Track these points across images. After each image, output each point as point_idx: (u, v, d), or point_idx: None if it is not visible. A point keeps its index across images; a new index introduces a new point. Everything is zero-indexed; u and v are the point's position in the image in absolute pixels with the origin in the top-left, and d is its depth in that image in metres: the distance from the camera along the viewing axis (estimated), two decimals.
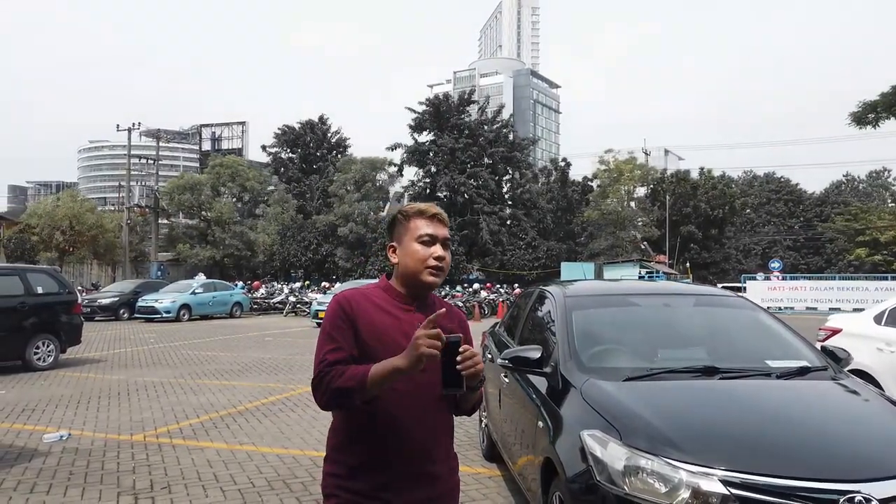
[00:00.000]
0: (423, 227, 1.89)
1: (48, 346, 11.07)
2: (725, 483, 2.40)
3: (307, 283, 36.12)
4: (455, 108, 43.71)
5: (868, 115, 29.30)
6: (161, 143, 44.30)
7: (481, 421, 5.78)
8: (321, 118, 51.81)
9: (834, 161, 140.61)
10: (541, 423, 3.29)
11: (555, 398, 3.31)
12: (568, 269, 31.83)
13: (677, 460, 2.50)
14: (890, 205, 62.51)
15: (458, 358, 1.68)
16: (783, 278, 37.44)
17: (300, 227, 45.36)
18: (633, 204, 44.52)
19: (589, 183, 45.88)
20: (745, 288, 37.04)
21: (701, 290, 4.79)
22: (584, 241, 46.01)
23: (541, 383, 3.54)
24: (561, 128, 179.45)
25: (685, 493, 2.42)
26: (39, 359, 10.88)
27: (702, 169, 49.47)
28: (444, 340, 1.67)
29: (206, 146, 62.28)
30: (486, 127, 43.98)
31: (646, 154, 55.89)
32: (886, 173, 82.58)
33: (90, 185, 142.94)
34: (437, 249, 1.87)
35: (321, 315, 20.61)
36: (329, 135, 51.84)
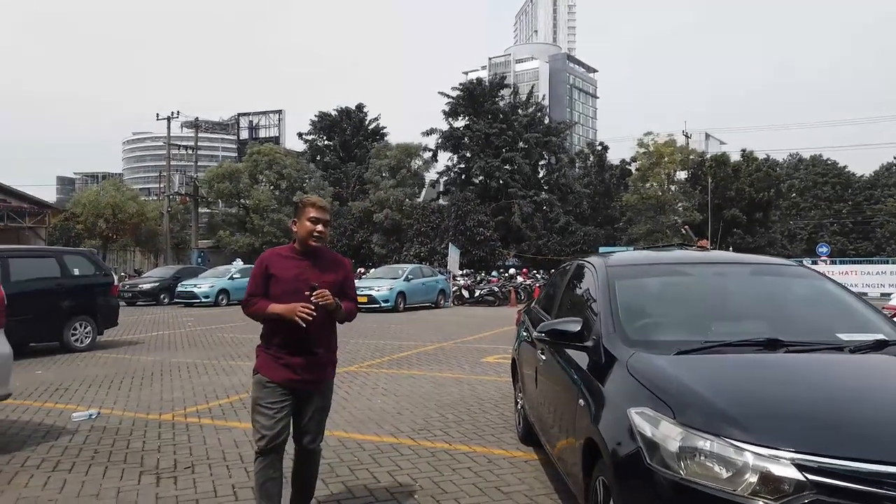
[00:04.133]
0: (312, 212, 3.31)
1: (85, 328, 11.14)
2: (800, 467, 2.07)
3: None
4: (488, 93, 43.13)
5: None
6: (199, 133, 44.80)
7: (517, 402, 5.49)
8: (358, 106, 51.79)
9: (885, 142, 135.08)
10: (581, 402, 2.99)
11: (597, 374, 3.00)
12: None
13: (741, 441, 2.17)
14: None
15: (312, 298, 3.17)
16: (831, 263, 36.09)
17: (336, 214, 45.39)
18: (673, 188, 43.33)
19: (627, 167, 44.88)
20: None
21: (758, 259, 4.38)
22: (622, 227, 45.09)
23: (581, 358, 3.24)
24: (598, 112, 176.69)
25: (752, 478, 2.10)
26: (77, 340, 10.97)
27: (744, 151, 47.89)
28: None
29: (244, 135, 62.87)
30: (519, 111, 43.31)
31: (686, 137, 54.46)
32: None
33: (134, 175, 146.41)
34: (319, 226, 3.31)
35: (360, 300, 20.50)
36: (366, 122, 51.77)
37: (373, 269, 31.31)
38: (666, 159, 41.94)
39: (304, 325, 3.13)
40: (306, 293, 3.16)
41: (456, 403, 6.83)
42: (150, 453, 5.03)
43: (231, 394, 7.36)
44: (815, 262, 38.19)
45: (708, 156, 47.51)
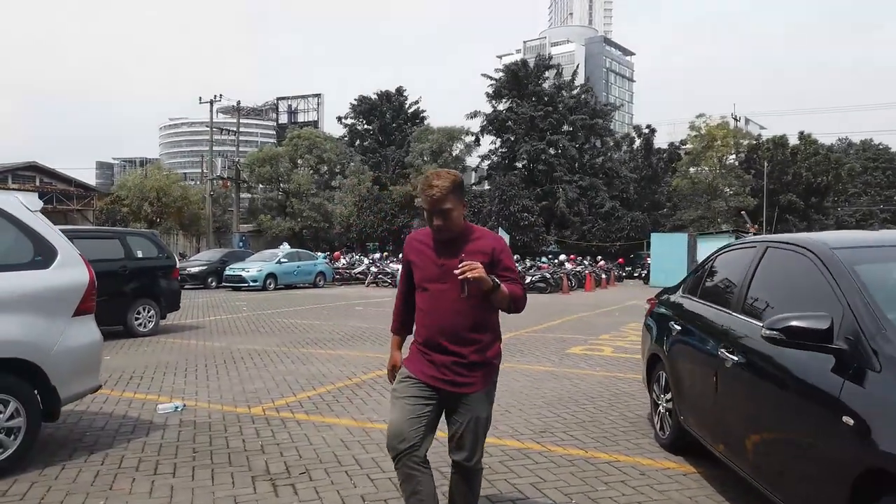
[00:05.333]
0: (423, 201, 2.78)
1: (149, 312, 10.82)
2: None
3: (385, 253, 35.81)
4: (533, 75, 42.06)
5: None
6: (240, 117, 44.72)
7: (656, 405, 4.87)
8: (398, 89, 51.16)
9: None
10: (849, 420, 2.35)
11: (872, 384, 2.36)
12: (658, 241, 30.10)
13: None
14: None
15: (456, 271, 2.60)
16: None
17: (377, 199, 45.09)
18: (725, 172, 41.74)
19: (677, 150, 43.45)
20: None
21: None
22: (667, 213, 43.73)
23: (825, 364, 2.60)
24: (635, 97, 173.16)
25: None
26: (140, 324, 10.64)
27: (801, 133, 45.98)
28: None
29: (283, 119, 62.78)
30: (563, 93, 42.16)
31: (735, 120, 52.69)
32: None
33: (171, 160, 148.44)
34: (436, 220, 2.74)
35: None
36: (406, 106, 51.15)
37: None
38: (719, 142, 40.47)
39: (465, 294, 2.62)
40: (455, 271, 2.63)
41: (564, 401, 6.24)
42: (254, 454, 4.54)
43: (316, 385, 6.87)
44: None
45: (764, 139, 45.71)
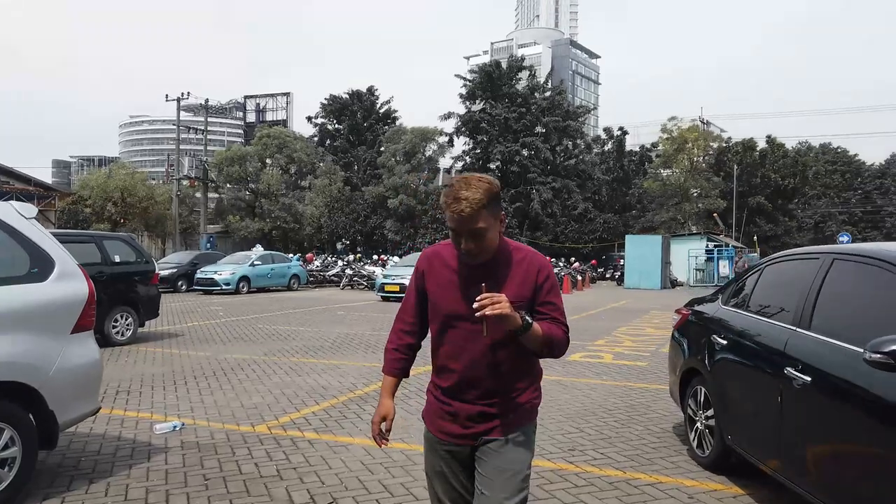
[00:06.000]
0: (449, 220, 2.08)
1: (126, 319, 10.30)
2: None
3: (359, 255, 35.35)
4: (506, 76, 42.00)
5: None
6: (202, 117, 43.68)
7: (692, 420, 4.67)
8: (369, 89, 50.59)
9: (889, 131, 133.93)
10: None
11: None
12: (633, 243, 30.28)
13: None
14: None
15: (475, 305, 1.95)
16: None
17: (348, 199, 44.52)
18: (697, 175, 42.25)
19: (648, 152, 43.85)
20: None
21: None
22: (637, 214, 44.11)
23: None
24: (601, 99, 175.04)
25: None
26: (118, 332, 10.13)
27: (769, 136, 46.89)
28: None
29: (251, 118, 61.62)
30: (537, 94, 42.20)
31: (702, 123, 53.44)
32: None
33: (132, 159, 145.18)
34: (465, 243, 2.07)
35: (388, 288, 19.72)
36: (377, 106, 50.63)
37: (395, 258, 30.56)
38: (690, 145, 40.95)
39: (486, 335, 2.04)
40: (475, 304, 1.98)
41: (582, 414, 6.02)
42: (272, 481, 4.20)
43: (318, 399, 6.53)
44: None
45: (733, 142, 46.45)
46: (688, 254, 31.80)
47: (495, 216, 2.10)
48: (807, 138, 68.08)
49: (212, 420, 5.71)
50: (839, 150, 77.63)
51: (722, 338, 4.20)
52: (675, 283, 30.82)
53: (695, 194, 43.21)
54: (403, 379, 2.43)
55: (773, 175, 43.95)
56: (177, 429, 5.38)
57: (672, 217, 41.18)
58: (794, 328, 3.46)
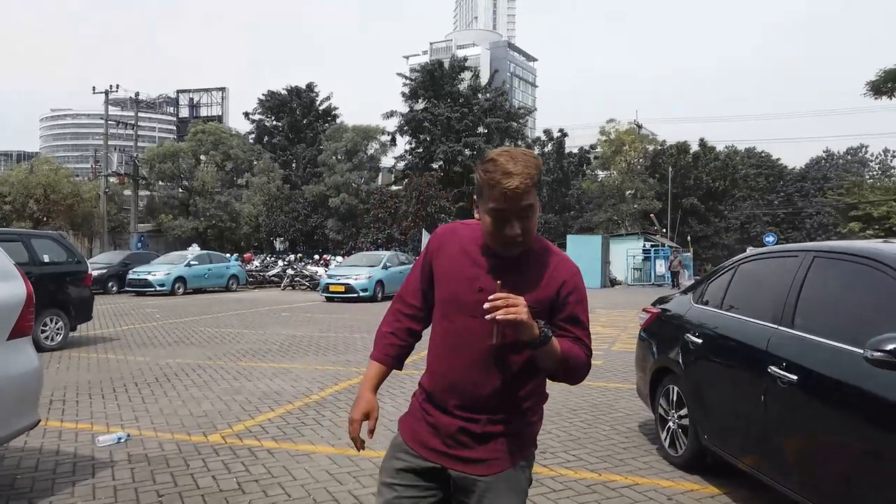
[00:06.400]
0: (493, 200, 1.70)
1: (57, 323, 9.66)
2: None
3: (300, 255, 34.63)
4: (448, 76, 42.02)
5: (887, 83, 28.70)
6: (130, 111, 41.90)
7: (664, 420, 4.64)
8: (309, 85, 49.65)
9: (813, 136, 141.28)
10: None
11: None
12: (574, 243, 30.74)
13: None
14: (885, 180, 62.70)
15: (486, 306, 1.62)
16: None
17: (288, 198, 43.57)
18: (633, 176, 43.40)
19: (587, 154, 44.69)
20: None
21: None
22: (575, 215, 44.91)
23: None
24: (538, 102, 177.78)
25: None
26: (47, 337, 9.48)
27: (701, 140, 48.63)
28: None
29: (183, 113, 59.51)
30: (480, 95, 42.42)
31: (637, 126, 54.92)
32: (864, 150, 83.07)
33: (53, 154, 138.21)
34: (515, 227, 1.72)
35: (332, 289, 19.34)
36: (317, 103, 49.75)
37: (339, 258, 30.09)
38: (627, 147, 41.97)
39: (494, 341, 1.67)
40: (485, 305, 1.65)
41: (549, 415, 5.82)
42: (233, 495, 3.93)
43: (272, 405, 6.23)
44: None
45: (668, 144, 47.91)
46: (626, 253, 32.55)
47: (538, 197, 1.80)
48: (733, 142, 71.02)
49: (159, 430, 5.34)
50: (763, 154, 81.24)
51: (697, 336, 4.18)
52: (613, 282, 31.47)
53: (630, 195, 44.36)
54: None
55: (705, 177, 45.56)
56: (122, 440, 5.00)
57: (609, 217, 42.12)
58: (775, 326, 3.45)
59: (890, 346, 2.45)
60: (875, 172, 72.00)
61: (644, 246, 33.45)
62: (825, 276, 3.32)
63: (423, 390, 1.96)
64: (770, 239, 40.28)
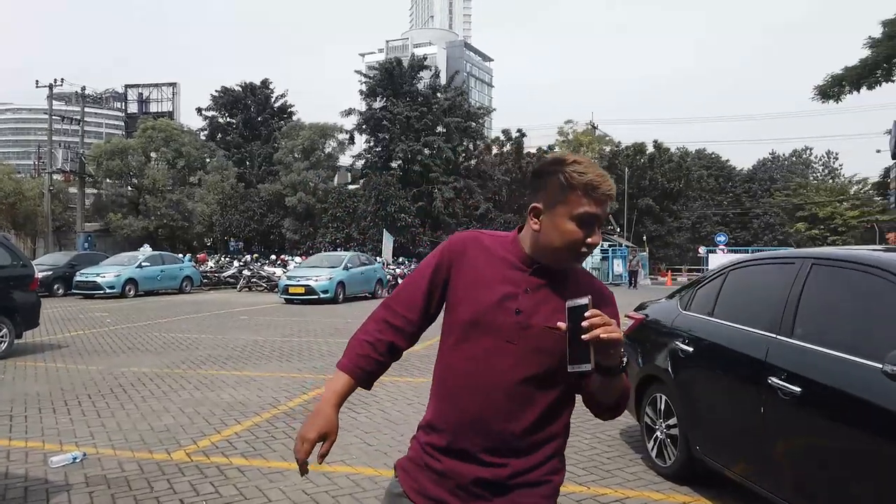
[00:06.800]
0: (585, 204, 1.53)
1: (0, 331, 9.10)
2: None
3: (256, 255, 33.86)
4: (407, 74, 41.72)
5: (833, 88, 29.57)
6: (76, 106, 40.38)
7: (650, 429, 4.55)
8: (264, 82, 48.62)
9: (761, 139, 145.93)
10: None
11: None
12: None
13: None
14: (829, 181, 65.03)
15: (584, 323, 1.40)
16: (729, 251, 37.91)
17: (243, 197, 42.57)
18: None
19: (545, 155, 44.90)
20: (706, 260, 37.36)
21: None
22: None
23: None
24: (494, 102, 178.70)
25: None
26: None
27: (655, 141, 49.58)
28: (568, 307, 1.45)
29: (132, 109, 57.58)
30: (439, 94, 42.25)
31: (593, 128, 55.64)
32: (809, 152, 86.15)
33: None
34: (593, 236, 1.55)
35: (292, 290, 18.92)
36: (272, 100, 48.78)
37: (297, 258, 29.52)
38: (584, 148, 42.41)
39: (584, 368, 1.44)
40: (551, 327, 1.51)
41: None
42: None
43: (239, 417, 5.93)
44: (712, 251, 40.27)
45: (624, 146, 48.66)
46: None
47: None
48: (684, 144, 72.56)
49: (118, 448, 5.00)
50: (713, 156, 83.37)
51: (687, 344, 4.09)
52: None
53: None
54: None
55: (660, 178, 46.40)
56: (77, 460, 4.66)
57: None
58: (773, 336, 3.36)
59: None
60: (818, 174, 74.56)
61: (602, 245, 33.86)
62: (826, 283, 3.25)
63: (428, 431, 1.67)
64: (721, 238, 41.29)
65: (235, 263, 29.22)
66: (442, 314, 1.72)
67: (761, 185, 75.37)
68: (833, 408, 2.91)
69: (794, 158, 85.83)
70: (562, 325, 1.46)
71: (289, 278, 19.62)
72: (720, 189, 76.44)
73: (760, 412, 3.29)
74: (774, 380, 3.18)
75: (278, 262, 29.13)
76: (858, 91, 29.24)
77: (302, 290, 18.74)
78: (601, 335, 1.39)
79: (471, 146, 43.10)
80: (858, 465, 2.76)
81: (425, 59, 44.26)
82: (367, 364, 1.68)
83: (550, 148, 45.31)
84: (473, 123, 42.12)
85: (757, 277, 3.88)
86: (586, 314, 1.40)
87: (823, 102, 30.11)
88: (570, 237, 1.54)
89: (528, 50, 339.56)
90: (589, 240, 1.54)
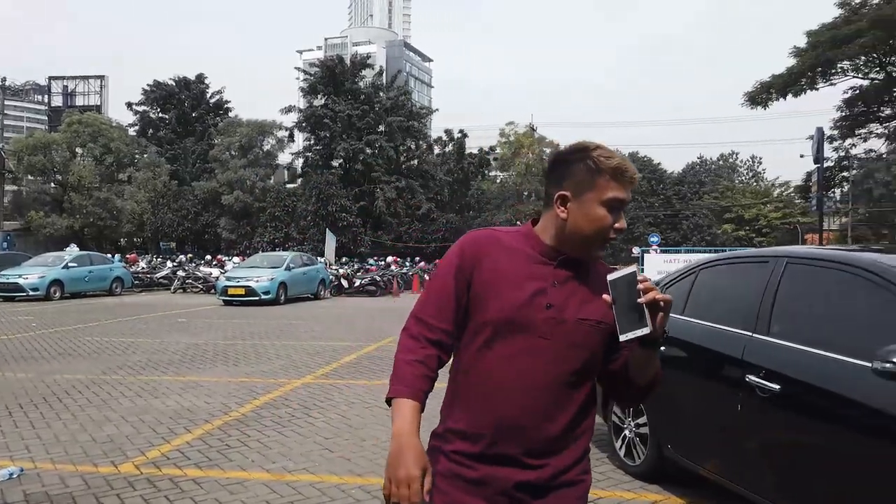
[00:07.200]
0: (613, 189, 1.53)
1: None
2: None
3: (191, 255, 32.76)
4: (349, 72, 41.26)
5: (762, 95, 30.95)
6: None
7: (619, 429, 4.55)
8: (199, 76, 47.17)
9: (690, 143, 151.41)
10: None
11: None
12: None
13: None
14: (754, 184, 67.93)
15: (640, 287, 1.42)
16: (662, 252, 39.08)
17: (176, 195, 41.15)
18: (531, 178, 44.52)
19: (487, 155, 45.34)
20: (642, 260, 38.36)
21: None
22: (474, 215, 45.51)
23: None
24: (434, 102, 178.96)
25: None
26: None
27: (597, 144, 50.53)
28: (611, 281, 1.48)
29: (56, 102, 54.78)
30: (381, 93, 41.96)
31: (532, 129, 56.43)
32: (735, 156, 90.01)
33: None
34: (622, 219, 1.56)
35: (231, 292, 18.34)
36: (207, 95, 47.36)
37: (235, 258, 28.70)
38: (525, 149, 42.92)
39: (643, 332, 1.44)
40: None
41: None
42: None
43: (189, 425, 5.63)
44: (646, 251, 41.48)
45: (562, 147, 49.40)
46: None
47: None
48: (618, 147, 74.49)
49: (58, 461, 4.66)
50: (645, 159, 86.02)
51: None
52: None
53: (524, 195, 45.45)
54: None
55: None
56: (14, 476, 4.30)
57: (509, 218, 42.93)
58: (749, 334, 3.39)
59: None
60: (743, 178, 77.92)
61: (509, 227, 34.28)
62: (802, 282, 3.29)
63: (456, 439, 1.58)
64: (654, 239, 42.53)
65: (169, 264, 28.19)
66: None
67: (691, 188, 78.22)
68: (814, 405, 2.94)
69: (721, 162, 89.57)
70: (607, 297, 1.47)
71: (228, 279, 19.01)
72: (652, 191, 78.96)
73: (737, 410, 3.31)
74: (752, 377, 3.20)
75: (215, 263, 28.27)
76: (785, 98, 30.78)
77: (242, 292, 18.19)
78: (657, 297, 1.42)
79: (413, 146, 43.00)
80: (839, 461, 2.79)
81: (368, 57, 43.92)
82: (426, 385, 1.58)
83: (492, 149, 45.70)
84: (416, 123, 42.07)
85: (730, 276, 3.92)
86: (639, 278, 1.44)
87: (752, 108, 31.51)
88: (601, 223, 1.53)
89: (468, 51, 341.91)
90: (617, 225, 1.55)
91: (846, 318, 3.04)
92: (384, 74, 44.47)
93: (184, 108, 46.88)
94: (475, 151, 44.47)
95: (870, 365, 2.56)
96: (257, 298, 18.13)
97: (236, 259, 28.03)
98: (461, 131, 43.54)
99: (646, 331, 1.43)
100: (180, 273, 25.20)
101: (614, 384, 1.65)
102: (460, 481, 1.56)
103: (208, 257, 31.28)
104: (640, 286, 1.43)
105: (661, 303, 1.42)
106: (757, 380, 3.16)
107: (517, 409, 1.52)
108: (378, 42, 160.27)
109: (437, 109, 46.93)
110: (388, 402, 1.55)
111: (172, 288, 24.34)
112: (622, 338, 1.46)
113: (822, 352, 2.94)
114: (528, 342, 1.53)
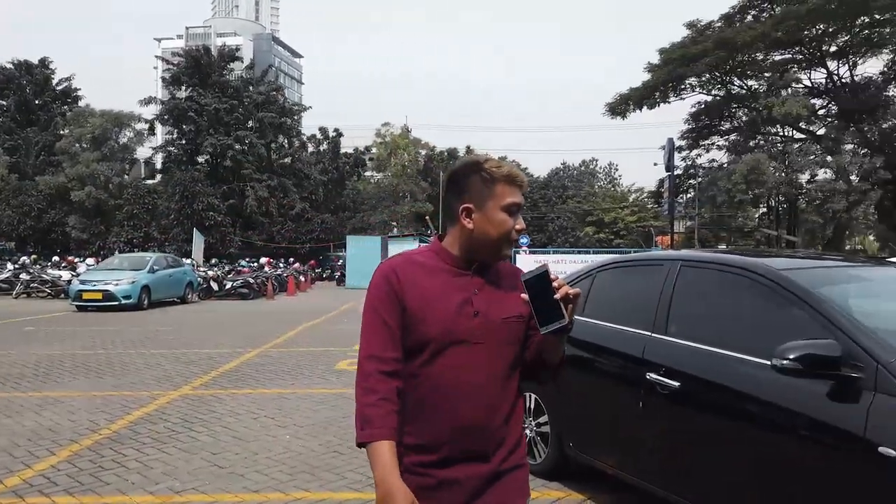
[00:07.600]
0: (510, 194, 1.71)
1: None
2: None
3: (35, 256, 29.72)
4: (216, 64, 39.29)
5: (620, 106, 33.14)
6: None
7: (530, 431, 4.62)
8: (42, 60, 42.93)
9: (554, 149, 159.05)
10: (889, 451, 2.36)
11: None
12: (354, 243, 30.62)
13: None
14: (612, 189, 72.21)
15: (555, 284, 1.59)
16: (531, 252, 40.75)
17: (16, 190, 37.24)
18: (408, 179, 44.63)
19: (362, 155, 44.91)
20: (514, 259, 39.67)
21: None
22: (349, 215, 45.04)
23: (837, 394, 2.62)
24: (304, 99, 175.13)
25: None
26: None
27: (468, 147, 51.71)
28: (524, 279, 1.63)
29: None
30: (251, 88, 40.34)
31: (407, 131, 56.74)
32: (595, 162, 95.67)
33: None
34: (520, 221, 1.74)
35: (87, 296, 16.85)
36: (53, 81, 43.23)
37: (89, 260, 26.42)
38: (401, 150, 42.98)
39: (559, 325, 1.57)
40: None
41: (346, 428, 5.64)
42: None
43: (52, 447, 5.06)
44: (517, 251, 43.10)
45: (438, 150, 50.09)
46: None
47: None
48: (488, 151, 76.65)
49: None
50: (514, 163, 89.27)
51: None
52: None
53: (401, 196, 45.58)
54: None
55: None
56: None
57: (385, 219, 42.87)
58: (649, 334, 3.56)
59: (796, 354, 2.59)
60: (602, 183, 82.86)
61: (419, 247, 34.53)
62: (696, 283, 3.50)
63: (415, 451, 1.67)
64: (524, 240, 44.17)
65: (10, 266, 25.42)
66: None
67: (555, 192, 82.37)
68: (713, 400, 3.13)
69: (582, 168, 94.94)
70: (524, 296, 1.60)
71: (82, 282, 17.44)
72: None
73: (638, 406, 3.46)
74: (653, 375, 3.35)
75: (64, 265, 25.86)
76: (640, 110, 33.19)
77: (99, 296, 16.75)
78: (570, 292, 1.58)
79: (286, 143, 41.75)
80: (738, 451, 2.99)
81: (237, 49, 42.04)
82: (394, 420, 1.65)
83: (367, 149, 45.39)
84: (288, 120, 40.87)
85: (627, 278, 4.10)
86: (552, 277, 1.59)
87: (613, 118, 33.66)
88: (504, 226, 1.69)
89: (339, 49, 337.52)
90: (517, 226, 1.71)
91: (740, 318, 3.27)
92: (254, 68, 42.72)
93: (25, 95, 42.51)
94: (350, 151, 43.95)
95: (768, 362, 2.75)
96: (117, 303, 16.77)
97: (90, 260, 25.85)
98: (336, 130, 42.91)
99: (563, 322, 1.59)
100: (23, 276, 22.76)
101: (530, 367, 1.80)
102: (421, 490, 1.63)
103: (56, 258, 28.56)
104: (554, 283, 1.58)
105: (572, 296, 1.59)
106: (657, 377, 3.32)
107: (469, 411, 1.65)
108: (244, 34, 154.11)
109: (310, 107, 45.85)
110: (360, 446, 1.62)
111: (14, 293, 21.97)
112: (542, 330, 1.60)
113: (722, 350, 3.13)
114: (466, 350, 1.66)
